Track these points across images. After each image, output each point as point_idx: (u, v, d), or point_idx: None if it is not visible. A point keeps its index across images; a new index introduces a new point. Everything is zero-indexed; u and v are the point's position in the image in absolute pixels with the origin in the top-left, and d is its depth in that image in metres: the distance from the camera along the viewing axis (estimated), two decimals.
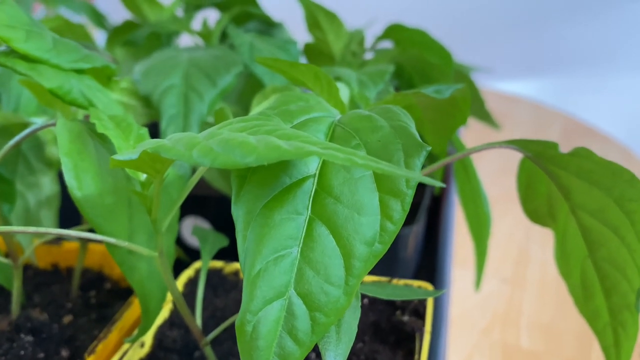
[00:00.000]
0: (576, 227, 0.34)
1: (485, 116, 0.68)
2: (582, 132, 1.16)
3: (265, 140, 0.20)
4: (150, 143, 0.22)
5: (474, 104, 0.67)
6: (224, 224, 0.45)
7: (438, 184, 0.19)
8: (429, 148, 0.24)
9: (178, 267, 0.40)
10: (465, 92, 0.34)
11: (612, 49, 1.58)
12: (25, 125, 0.45)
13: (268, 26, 0.67)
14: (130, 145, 0.28)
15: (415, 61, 0.54)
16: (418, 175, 0.20)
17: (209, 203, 0.55)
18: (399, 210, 0.23)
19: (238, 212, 0.23)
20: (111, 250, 0.29)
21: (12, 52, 0.31)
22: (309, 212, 0.23)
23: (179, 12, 0.66)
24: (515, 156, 0.35)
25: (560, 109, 1.36)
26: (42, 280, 0.46)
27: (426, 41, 0.56)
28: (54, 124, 0.33)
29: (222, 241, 0.37)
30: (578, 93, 1.50)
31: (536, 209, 0.37)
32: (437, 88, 0.33)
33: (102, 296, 0.44)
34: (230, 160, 0.20)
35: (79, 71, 0.33)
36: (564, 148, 0.31)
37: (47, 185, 0.49)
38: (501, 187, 0.68)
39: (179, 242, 0.58)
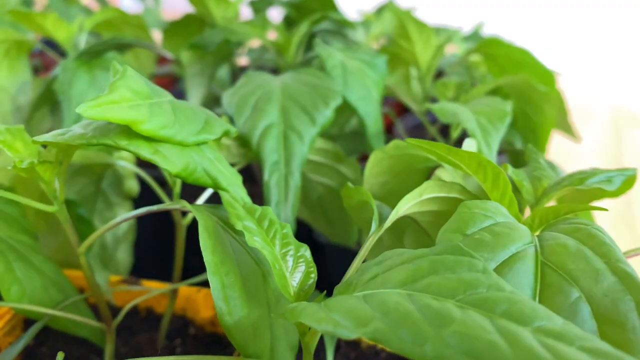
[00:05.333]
0: None
1: (567, 128, 0.63)
2: (633, 123, 1.10)
3: (516, 341, 0.17)
4: (360, 318, 0.18)
5: (558, 116, 0.63)
6: None
7: None
8: None
9: None
10: (633, 178, 0.30)
11: None
12: (107, 165, 0.41)
13: (340, 25, 0.61)
14: (299, 258, 0.25)
15: (518, 84, 0.49)
16: None
17: None
18: None
19: None
20: None
21: (132, 131, 0.26)
22: None
23: (245, 10, 0.60)
24: None
25: (603, 88, 1.30)
26: (124, 324, 0.43)
27: (527, 61, 0.51)
28: (180, 209, 0.29)
29: None
30: (623, 72, 1.43)
31: None
32: (607, 176, 0.29)
33: (187, 345, 0.42)
34: None
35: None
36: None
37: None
38: None
39: None
